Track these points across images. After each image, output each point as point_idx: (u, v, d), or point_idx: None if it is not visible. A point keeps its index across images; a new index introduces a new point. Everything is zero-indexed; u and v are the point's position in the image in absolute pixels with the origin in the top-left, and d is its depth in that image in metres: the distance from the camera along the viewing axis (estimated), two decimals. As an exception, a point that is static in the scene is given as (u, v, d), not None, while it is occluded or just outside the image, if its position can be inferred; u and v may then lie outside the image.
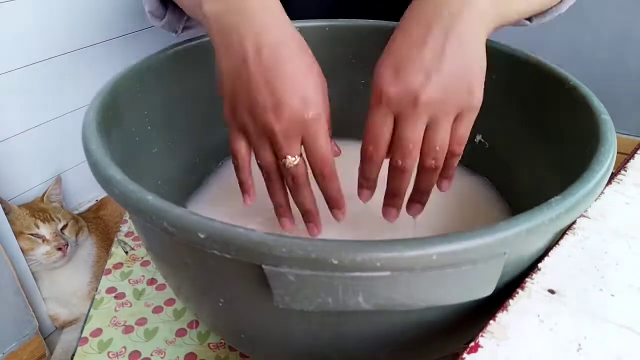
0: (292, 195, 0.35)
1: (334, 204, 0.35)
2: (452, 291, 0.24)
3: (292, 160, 0.32)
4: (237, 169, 0.35)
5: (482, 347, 0.23)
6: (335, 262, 0.21)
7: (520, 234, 0.22)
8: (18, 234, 0.80)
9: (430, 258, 0.21)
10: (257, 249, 0.21)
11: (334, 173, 0.33)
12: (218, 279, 0.27)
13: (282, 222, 0.37)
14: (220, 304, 0.29)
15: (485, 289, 0.25)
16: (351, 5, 0.60)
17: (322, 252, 0.21)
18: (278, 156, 0.33)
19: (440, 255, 0.21)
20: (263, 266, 0.22)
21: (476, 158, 0.49)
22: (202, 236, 0.22)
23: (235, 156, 0.35)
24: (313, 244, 0.21)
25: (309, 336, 0.28)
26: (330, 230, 0.36)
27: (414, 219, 0.37)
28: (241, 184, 0.36)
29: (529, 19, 0.47)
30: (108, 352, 0.44)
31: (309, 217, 0.36)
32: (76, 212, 0.98)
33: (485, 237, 0.22)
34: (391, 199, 0.34)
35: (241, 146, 0.34)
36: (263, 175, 0.35)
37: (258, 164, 0.34)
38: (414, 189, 0.34)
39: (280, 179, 0.35)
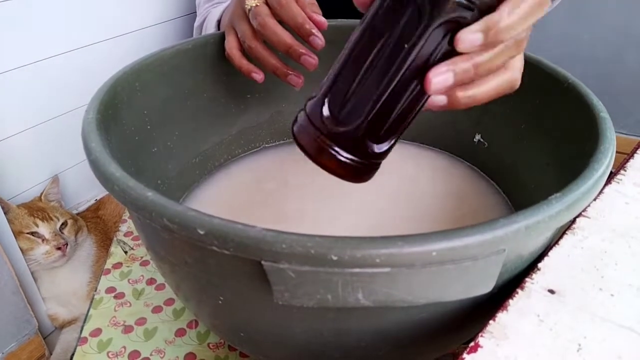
0: (267, 39, 0.39)
1: (305, 31, 0.37)
2: (452, 288, 0.24)
3: (252, 2, 0.39)
4: (231, 59, 0.42)
5: (481, 347, 0.23)
6: (334, 258, 0.21)
7: (520, 231, 0.22)
8: (17, 234, 0.80)
9: (429, 254, 0.21)
10: (256, 244, 0.21)
11: (291, 1, 0.37)
12: (217, 277, 0.27)
13: (290, 81, 0.40)
14: (220, 302, 0.29)
15: (485, 286, 0.25)
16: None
17: (322, 248, 0.21)
18: (244, 10, 0.40)
19: (440, 251, 0.21)
20: (262, 262, 0.22)
21: (475, 157, 0.49)
22: (201, 232, 0.22)
23: (228, 48, 0.43)
24: (312, 240, 0.21)
25: (308, 333, 0.28)
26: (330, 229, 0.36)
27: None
28: (241, 69, 0.42)
29: None
30: (107, 352, 0.43)
31: (295, 52, 0.37)
32: (75, 211, 0.98)
33: (484, 234, 0.22)
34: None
35: (231, 39, 0.43)
36: (247, 51, 0.41)
37: (243, 46, 0.41)
38: None
39: (260, 42, 0.40)
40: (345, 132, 0.26)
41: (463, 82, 0.25)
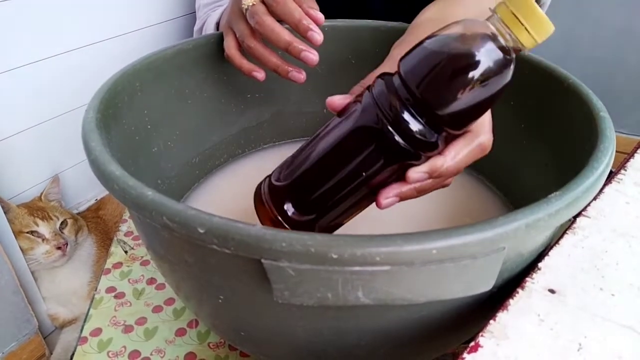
0: (265, 37, 0.39)
1: (303, 27, 0.37)
2: (452, 286, 0.24)
3: (248, 2, 0.39)
4: (231, 59, 0.42)
5: (482, 346, 0.23)
6: (334, 256, 0.21)
7: (520, 229, 0.22)
8: (17, 233, 0.80)
9: (429, 252, 0.21)
10: (256, 243, 0.21)
11: None
12: (217, 276, 0.27)
13: (292, 78, 0.40)
14: (220, 301, 0.29)
15: (485, 284, 0.25)
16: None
17: (322, 247, 0.21)
18: (241, 10, 0.40)
19: (440, 249, 0.21)
20: (262, 260, 0.22)
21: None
22: (201, 231, 0.22)
23: (227, 49, 0.43)
24: (312, 238, 0.21)
25: (308, 332, 0.28)
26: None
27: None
28: (242, 69, 0.42)
29: None
30: (108, 352, 0.43)
31: (295, 49, 0.38)
32: (75, 211, 0.98)
33: (484, 232, 0.22)
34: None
35: (230, 39, 0.43)
36: (246, 51, 0.41)
37: (242, 46, 0.41)
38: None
39: (258, 41, 0.40)
40: (298, 220, 0.31)
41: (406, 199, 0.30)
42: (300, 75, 0.40)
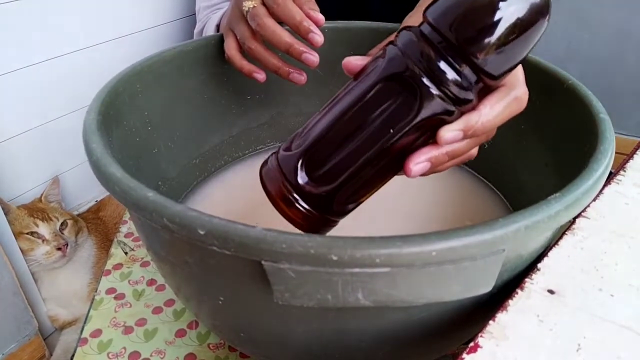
0: (266, 39, 0.39)
1: (304, 29, 0.37)
2: (451, 288, 0.24)
3: (249, 4, 0.39)
4: (232, 61, 0.43)
5: (481, 347, 0.23)
6: (334, 258, 0.21)
7: (519, 231, 0.22)
8: (17, 235, 0.80)
9: (429, 254, 0.21)
10: (256, 244, 0.21)
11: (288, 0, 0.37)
12: (218, 277, 0.27)
13: (293, 79, 0.40)
14: (220, 302, 0.29)
15: (485, 286, 0.25)
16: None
17: (322, 248, 0.21)
18: (242, 12, 0.40)
19: (440, 251, 0.21)
20: (262, 262, 0.22)
21: (475, 158, 0.49)
22: (201, 232, 0.22)
23: (228, 50, 0.43)
24: (313, 240, 0.21)
25: (309, 334, 0.28)
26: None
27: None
28: (242, 70, 0.42)
29: None
30: (108, 353, 0.43)
31: (296, 50, 0.38)
32: (76, 213, 0.98)
33: (484, 234, 0.22)
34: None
35: (230, 41, 0.43)
36: (247, 52, 0.41)
37: (243, 47, 0.42)
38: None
39: (259, 42, 0.40)
40: (314, 192, 0.28)
41: (436, 166, 0.27)
42: (301, 77, 0.40)
